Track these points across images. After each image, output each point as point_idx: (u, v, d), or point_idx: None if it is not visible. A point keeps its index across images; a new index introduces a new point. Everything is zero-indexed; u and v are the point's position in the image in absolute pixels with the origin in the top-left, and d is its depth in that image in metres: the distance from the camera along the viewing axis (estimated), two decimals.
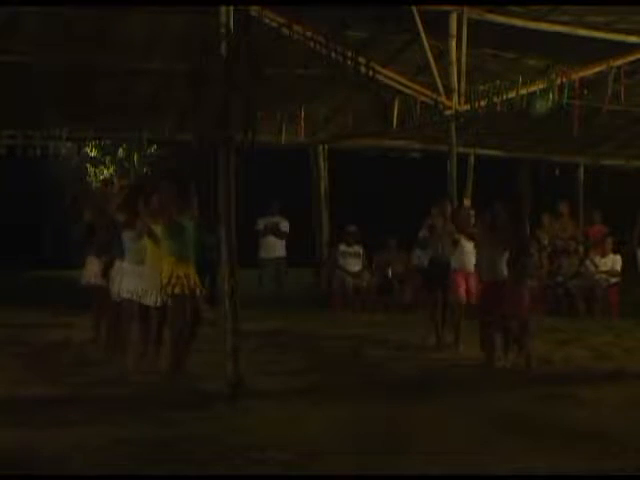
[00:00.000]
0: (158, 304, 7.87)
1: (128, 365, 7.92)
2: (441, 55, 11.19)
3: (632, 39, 11.66)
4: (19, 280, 16.74)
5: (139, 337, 8.03)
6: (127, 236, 8.18)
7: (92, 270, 8.96)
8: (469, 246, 9.32)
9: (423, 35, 10.74)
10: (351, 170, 17.74)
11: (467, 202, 10.92)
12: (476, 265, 9.03)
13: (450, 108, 11.14)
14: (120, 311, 8.35)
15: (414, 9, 10.55)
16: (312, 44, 9.82)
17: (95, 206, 9.15)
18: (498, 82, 11.37)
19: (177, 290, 7.63)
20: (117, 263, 8.40)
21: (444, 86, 11.09)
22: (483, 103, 11.32)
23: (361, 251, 14.04)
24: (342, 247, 14.11)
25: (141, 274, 7.96)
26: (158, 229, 7.85)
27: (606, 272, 13.13)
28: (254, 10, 8.42)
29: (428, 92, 11.24)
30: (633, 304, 12.79)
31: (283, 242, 14.45)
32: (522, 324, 8.41)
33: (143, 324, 8.02)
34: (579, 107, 12.03)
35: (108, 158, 23.05)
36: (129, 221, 8.12)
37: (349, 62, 10.09)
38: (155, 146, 20.47)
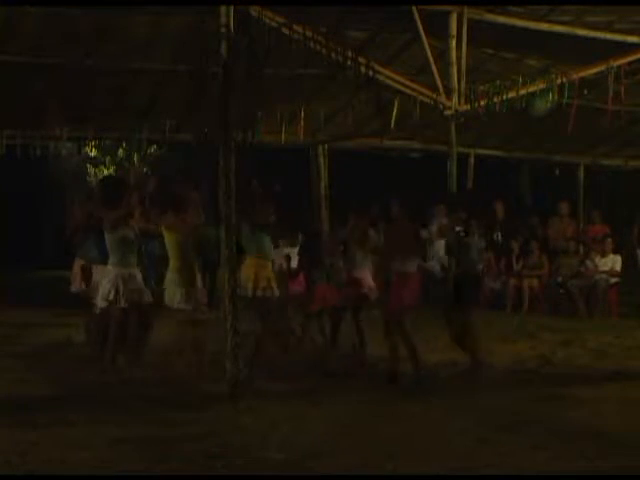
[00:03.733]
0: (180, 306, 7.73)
1: (123, 366, 7.90)
2: (441, 55, 11.18)
3: (632, 39, 11.64)
4: (19, 280, 16.74)
5: (136, 339, 7.99)
6: (114, 237, 7.92)
7: (81, 276, 8.71)
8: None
9: (423, 35, 10.73)
10: (351, 170, 17.72)
11: None
12: None
13: (450, 108, 11.13)
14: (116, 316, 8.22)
15: (414, 9, 10.54)
16: (312, 44, 9.81)
17: (82, 207, 8.97)
18: (498, 82, 11.36)
19: (269, 293, 8.02)
20: (101, 267, 8.22)
21: (444, 86, 11.09)
22: (483, 103, 11.32)
23: None
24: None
25: (131, 277, 7.87)
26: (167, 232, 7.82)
27: (606, 272, 13.12)
28: (254, 10, 8.42)
29: (428, 92, 11.22)
30: (633, 304, 12.78)
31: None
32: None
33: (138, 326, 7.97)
34: (578, 107, 11.99)
35: (108, 158, 23.06)
36: (118, 221, 7.91)
37: (349, 62, 10.11)
38: (155, 146, 20.46)
